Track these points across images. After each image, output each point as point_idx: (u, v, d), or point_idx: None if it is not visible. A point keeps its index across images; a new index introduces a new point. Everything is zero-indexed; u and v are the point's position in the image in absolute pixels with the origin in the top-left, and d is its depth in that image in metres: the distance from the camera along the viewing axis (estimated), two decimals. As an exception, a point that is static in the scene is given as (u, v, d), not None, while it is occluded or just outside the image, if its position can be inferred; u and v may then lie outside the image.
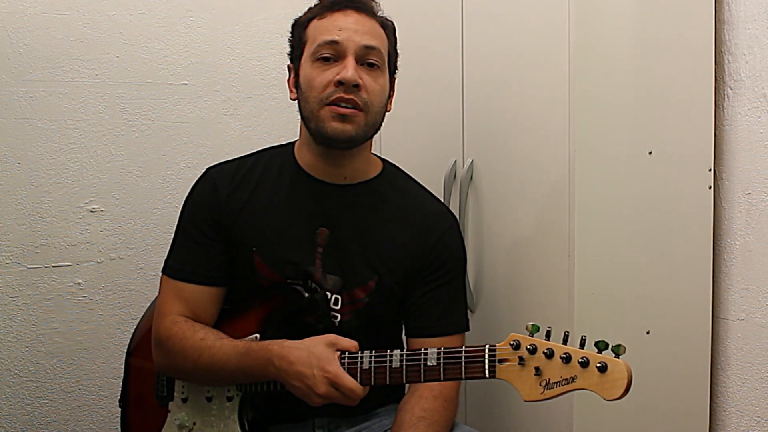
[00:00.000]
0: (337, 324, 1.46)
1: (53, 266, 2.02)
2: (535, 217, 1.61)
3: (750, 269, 1.67)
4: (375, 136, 1.50)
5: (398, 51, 1.52)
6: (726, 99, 1.70)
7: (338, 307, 1.46)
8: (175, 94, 2.12)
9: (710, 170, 1.67)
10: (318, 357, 1.29)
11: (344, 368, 1.29)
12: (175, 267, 1.49)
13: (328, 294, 1.46)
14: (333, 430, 1.52)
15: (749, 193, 1.66)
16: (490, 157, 1.73)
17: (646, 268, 1.60)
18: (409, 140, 1.98)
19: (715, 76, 1.68)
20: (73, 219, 2.03)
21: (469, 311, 1.74)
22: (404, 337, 1.57)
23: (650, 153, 1.59)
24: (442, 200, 1.78)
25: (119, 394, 1.60)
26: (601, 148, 1.53)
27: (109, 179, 2.06)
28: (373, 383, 1.29)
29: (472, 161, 1.76)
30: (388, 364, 1.28)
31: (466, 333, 1.54)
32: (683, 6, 1.62)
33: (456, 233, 1.55)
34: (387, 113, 1.50)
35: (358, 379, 1.28)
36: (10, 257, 1.98)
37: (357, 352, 1.31)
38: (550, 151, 1.55)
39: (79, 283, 2.04)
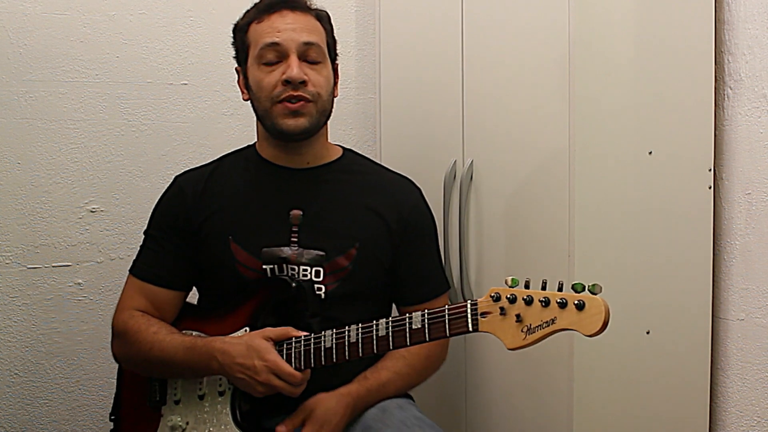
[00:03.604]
0: (323, 296, 1.50)
1: (53, 266, 2.02)
2: (534, 218, 1.62)
3: (750, 269, 1.66)
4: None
5: (336, 38, 1.58)
6: (726, 99, 1.70)
7: (320, 279, 1.50)
8: (175, 94, 2.11)
9: (710, 170, 1.67)
10: (256, 349, 1.36)
11: (331, 344, 1.35)
12: (142, 269, 1.58)
13: (308, 268, 1.50)
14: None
15: (749, 193, 1.66)
16: (490, 157, 1.73)
17: (646, 268, 1.60)
18: (409, 140, 1.98)
19: (715, 76, 1.68)
20: (73, 219, 2.03)
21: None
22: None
23: (650, 153, 1.59)
24: (442, 200, 1.79)
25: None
26: (601, 148, 1.53)
27: (109, 179, 2.06)
28: (361, 354, 1.34)
29: (472, 161, 1.76)
30: (374, 333, 1.33)
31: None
32: (683, 6, 1.61)
33: (424, 201, 1.63)
34: (336, 98, 1.57)
35: (341, 355, 1.35)
36: (10, 257, 1.98)
37: (320, 333, 1.37)
38: (550, 151, 1.55)
39: (79, 283, 2.04)
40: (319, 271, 1.50)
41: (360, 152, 1.69)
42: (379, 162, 1.67)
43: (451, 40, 1.80)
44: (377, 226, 1.55)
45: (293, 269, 1.50)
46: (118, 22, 2.04)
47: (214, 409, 1.45)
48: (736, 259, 1.69)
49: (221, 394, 1.45)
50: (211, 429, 1.44)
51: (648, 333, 1.61)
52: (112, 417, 1.59)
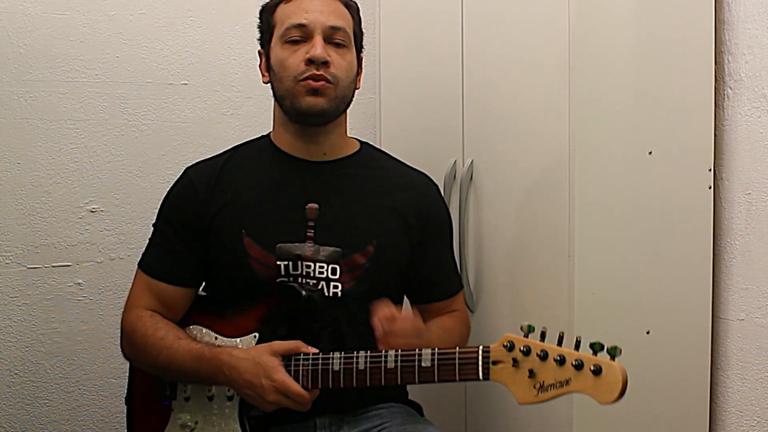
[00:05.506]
0: (339, 295, 1.47)
1: (53, 266, 2.02)
2: (534, 218, 1.62)
3: (750, 269, 1.66)
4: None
5: (363, 30, 1.59)
6: (726, 99, 1.70)
7: (337, 277, 1.48)
8: (175, 94, 2.12)
9: (710, 170, 1.67)
10: (263, 366, 1.34)
11: (339, 368, 1.33)
12: (150, 264, 1.54)
13: (325, 265, 1.48)
14: (335, 430, 1.51)
15: (749, 193, 1.66)
16: (490, 157, 1.73)
17: (646, 268, 1.60)
18: (409, 140, 1.98)
19: (715, 76, 1.68)
20: (73, 219, 2.03)
21: (469, 312, 1.75)
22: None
23: (650, 153, 1.59)
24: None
25: (125, 391, 1.60)
26: (601, 148, 1.53)
27: (109, 179, 2.06)
28: (369, 384, 1.32)
29: (472, 161, 1.76)
30: (383, 364, 1.31)
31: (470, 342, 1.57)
32: (683, 6, 1.61)
33: (441, 197, 1.65)
34: (357, 90, 1.56)
35: (354, 381, 1.33)
36: (10, 257, 1.98)
37: (329, 354, 1.34)
38: (550, 151, 1.55)
39: (79, 283, 2.04)
40: (336, 268, 1.48)
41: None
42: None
43: (451, 40, 1.80)
44: (395, 223, 1.53)
45: (309, 266, 1.48)
46: (118, 22, 2.04)
47: (222, 413, 1.43)
48: (736, 259, 1.69)
49: (230, 398, 1.43)
50: None
51: (648, 333, 1.61)
52: (127, 401, 1.57)
